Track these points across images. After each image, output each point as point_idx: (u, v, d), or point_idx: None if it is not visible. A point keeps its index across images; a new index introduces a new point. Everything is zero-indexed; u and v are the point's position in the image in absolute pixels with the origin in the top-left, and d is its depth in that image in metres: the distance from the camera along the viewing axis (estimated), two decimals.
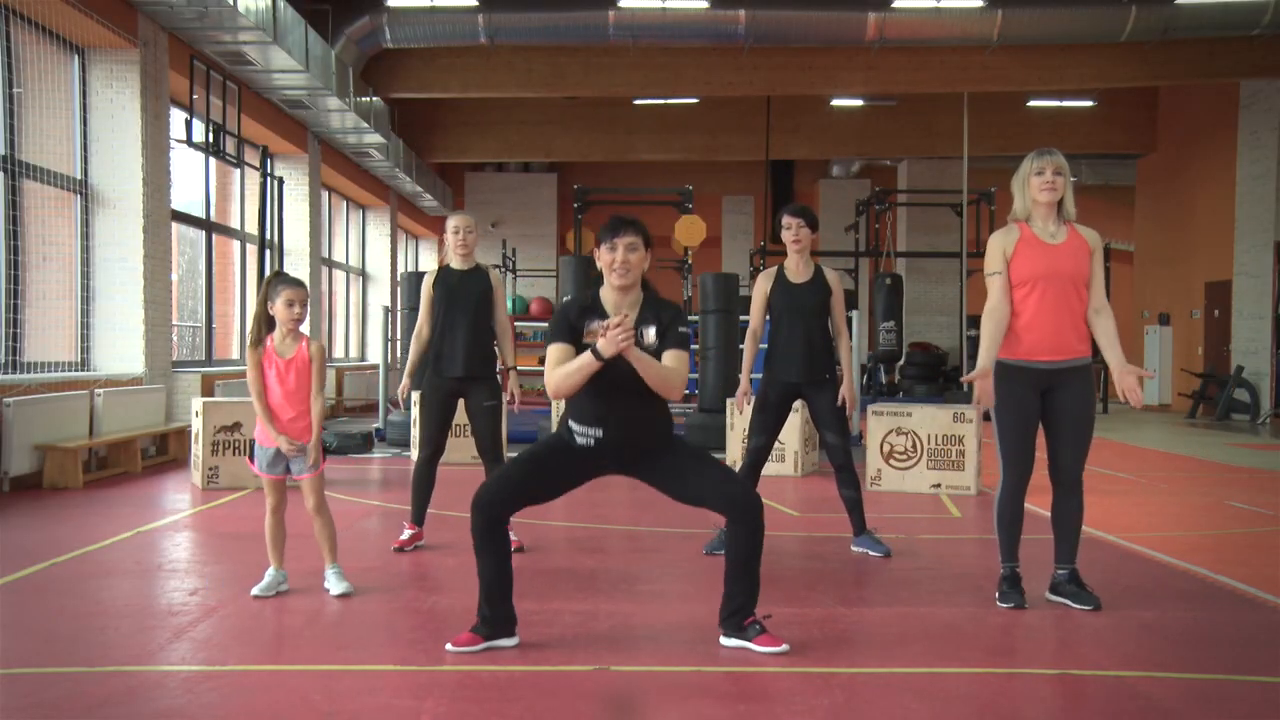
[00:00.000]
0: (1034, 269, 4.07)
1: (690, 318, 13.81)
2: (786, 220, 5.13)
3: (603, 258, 3.50)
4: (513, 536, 5.13)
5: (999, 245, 4.16)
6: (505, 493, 3.51)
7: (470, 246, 5.24)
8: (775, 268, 5.25)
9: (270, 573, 4.27)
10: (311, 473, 4.27)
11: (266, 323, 4.25)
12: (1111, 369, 4.12)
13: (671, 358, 3.46)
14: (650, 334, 3.48)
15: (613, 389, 3.41)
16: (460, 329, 5.15)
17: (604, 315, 3.48)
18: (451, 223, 5.25)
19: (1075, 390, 4.13)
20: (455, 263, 5.26)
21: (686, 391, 12.37)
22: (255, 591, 4.21)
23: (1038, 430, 4.20)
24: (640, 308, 3.54)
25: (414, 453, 6.70)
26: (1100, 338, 4.18)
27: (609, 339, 3.28)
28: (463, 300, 5.17)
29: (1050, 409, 4.16)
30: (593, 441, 3.50)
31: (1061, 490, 4.22)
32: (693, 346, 3.57)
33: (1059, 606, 4.27)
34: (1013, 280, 4.12)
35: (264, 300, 4.25)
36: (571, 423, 3.54)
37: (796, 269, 5.18)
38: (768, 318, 5.23)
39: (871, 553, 5.20)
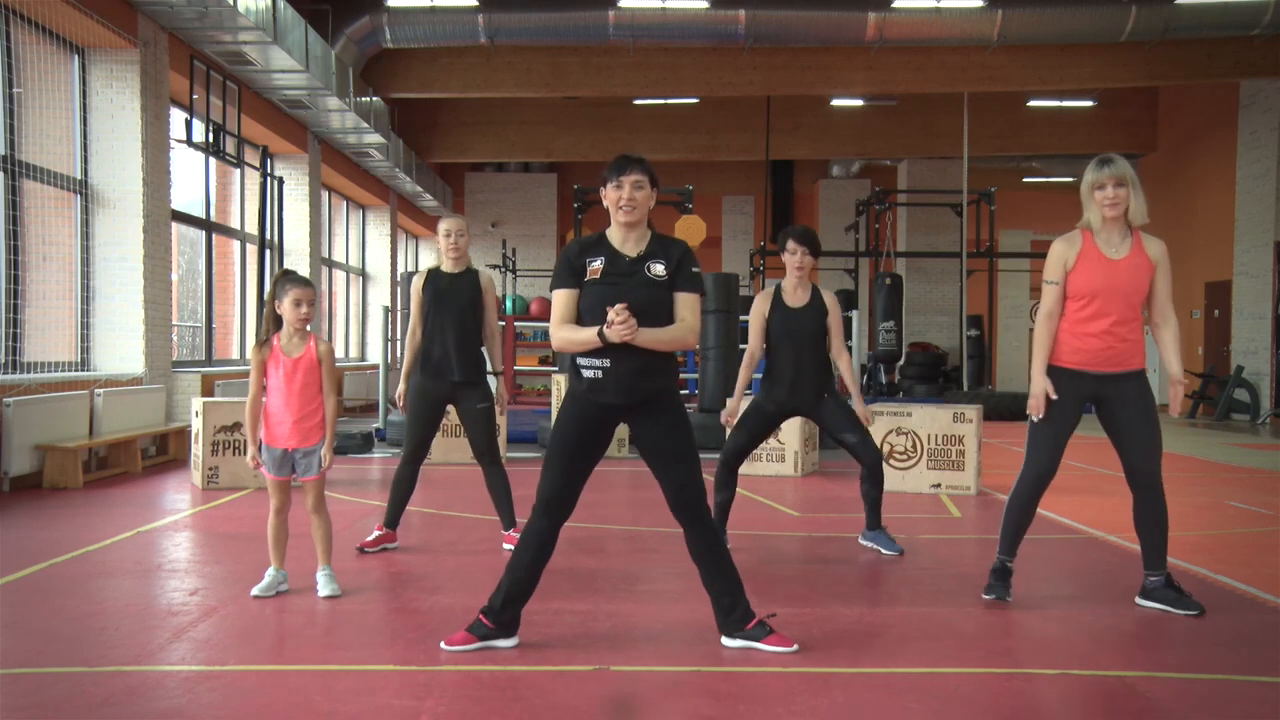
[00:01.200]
0: (1092, 284, 4.01)
1: None
2: (791, 245, 5.11)
3: (609, 195, 3.51)
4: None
5: (1060, 255, 4.08)
6: (563, 484, 3.52)
7: (461, 249, 5.23)
8: (773, 288, 5.23)
9: (271, 572, 4.28)
10: (315, 475, 4.27)
11: (274, 321, 4.25)
12: (1170, 376, 4.11)
13: (683, 304, 3.48)
14: (658, 267, 3.48)
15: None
16: (449, 333, 5.13)
17: (610, 250, 3.50)
18: (442, 226, 5.24)
19: (1132, 392, 4.10)
20: (446, 265, 5.24)
21: (686, 391, 12.39)
22: (255, 591, 4.21)
23: (1068, 440, 4.18)
24: (647, 243, 3.55)
25: None
26: (1161, 348, 4.15)
27: (613, 331, 3.31)
28: (452, 303, 5.15)
29: (1110, 415, 4.14)
30: (599, 373, 3.47)
31: (1142, 493, 4.16)
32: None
33: (1054, 606, 4.27)
34: (1070, 292, 4.07)
35: (272, 299, 4.24)
36: (579, 359, 3.53)
37: (794, 292, 5.16)
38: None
39: (884, 550, 5.20)
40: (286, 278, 4.25)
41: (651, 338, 3.38)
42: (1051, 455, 4.17)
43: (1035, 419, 4.15)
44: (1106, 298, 4.01)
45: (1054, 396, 4.06)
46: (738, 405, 5.25)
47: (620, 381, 3.46)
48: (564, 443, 3.55)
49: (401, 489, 5.24)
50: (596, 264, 3.47)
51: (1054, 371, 4.13)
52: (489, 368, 5.36)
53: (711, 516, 3.62)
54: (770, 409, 5.15)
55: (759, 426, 5.18)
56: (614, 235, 3.55)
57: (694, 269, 3.52)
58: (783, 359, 5.09)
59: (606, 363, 3.45)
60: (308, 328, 4.28)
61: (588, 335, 3.40)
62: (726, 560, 3.61)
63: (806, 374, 5.07)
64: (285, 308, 4.19)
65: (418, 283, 5.26)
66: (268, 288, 4.28)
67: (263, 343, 4.25)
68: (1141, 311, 4.11)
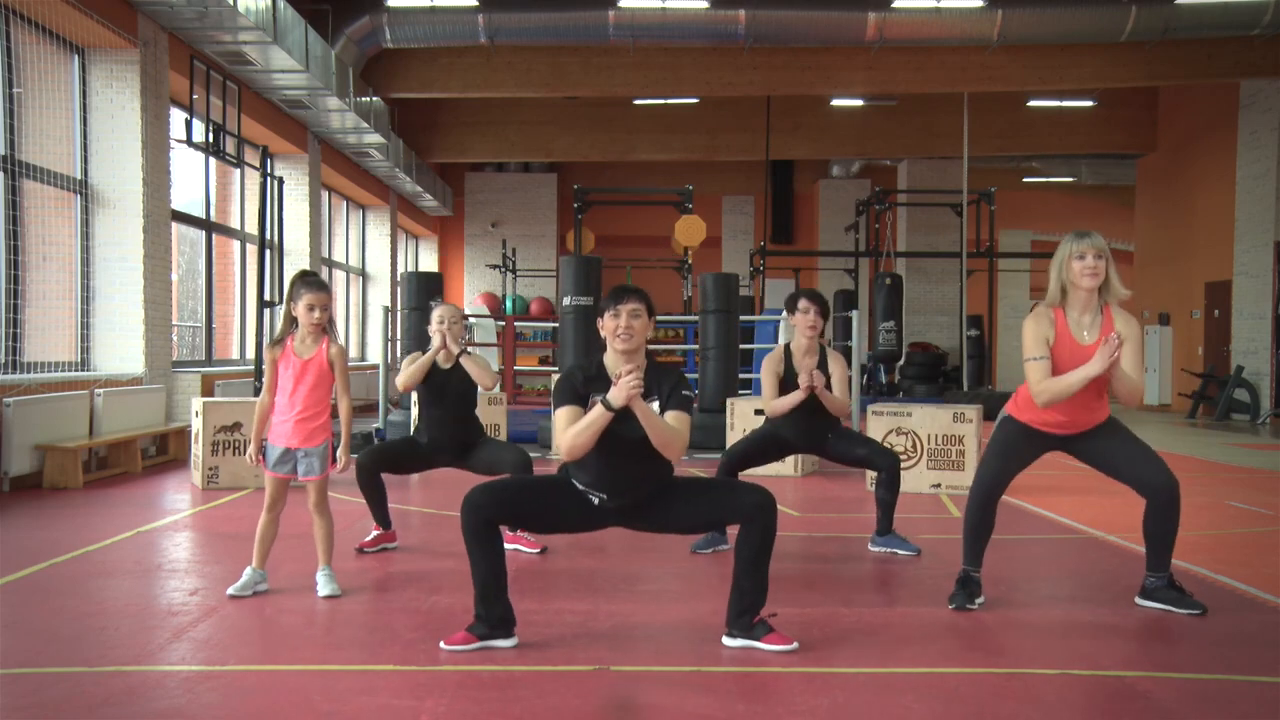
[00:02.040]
0: (1061, 369, 3.93)
1: (690, 317, 13.86)
2: (804, 304, 5.17)
3: (606, 324, 3.56)
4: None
5: (1041, 332, 3.94)
6: (497, 503, 3.54)
7: (455, 337, 5.23)
8: (783, 349, 5.30)
9: (249, 571, 4.27)
10: (317, 475, 4.27)
11: (291, 322, 4.26)
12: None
13: (674, 419, 3.50)
14: (654, 406, 3.52)
15: (616, 451, 3.45)
16: (447, 424, 5.19)
17: (608, 383, 3.52)
18: (435, 314, 5.25)
19: (1102, 436, 4.08)
20: (439, 357, 5.22)
21: (686, 392, 12.34)
22: (232, 590, 4.20)
23: (1017, 472, 4.20)
24: (645, 375, 3.54)
25: None
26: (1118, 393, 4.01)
27: (620, 387, 3.34)
28: (451, 397, 5.19)
29: (1091, 458, 4.13)
30: (597, 501, 3.59)
31: (1159, 506, 4.10)
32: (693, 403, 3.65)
33: (1054, 606, 4.27)
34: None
35: (289, 299, 4.25)
36: (577, 481, 3.60)
37: (802, 357, 5.23)
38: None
39: (901, 552, 5.21)
40: (303, 280, 4.25)
41: (649, 412, 3.42)
42: (1001, 474, 4.18)
43: (1004, 414, 4.14)
44: None
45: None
46: (801, 450, 5.41)
47: (619, 509, 3.59)
48: (541, 497, 3.63)
49: (370, 491, 5.19)
50: (597, 400, 3.49)
51: (1017, 424, 4.12)
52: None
53: (772, 519, 3.57)
54: (782, 438, 5.28)
55: (768, 449, 5.32)
56: (612, 366, 3.59)
57: (685, 393, 3.56)
58: (794, 417, 5.17)
59: (604, 495, 3.56)
60: (324, 330, 4.29)
61: (592, 416, 3.41)
62: (765, 564, 3.58)
63: (818, 427, 5.20)
64: (299, 311, 4.21)
65: (415, 358, 5.25)
66: (269, 291, 4.30)
67: (277, 341, 4.26)
68: (1105, 385, 3.99)
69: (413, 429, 5.62)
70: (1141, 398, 4.01)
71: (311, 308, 4.20)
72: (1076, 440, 4.12)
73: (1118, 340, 3.78)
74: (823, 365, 5.19)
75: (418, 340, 10.10)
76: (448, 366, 5.22)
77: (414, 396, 9.33)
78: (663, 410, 3.52)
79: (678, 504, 3.62)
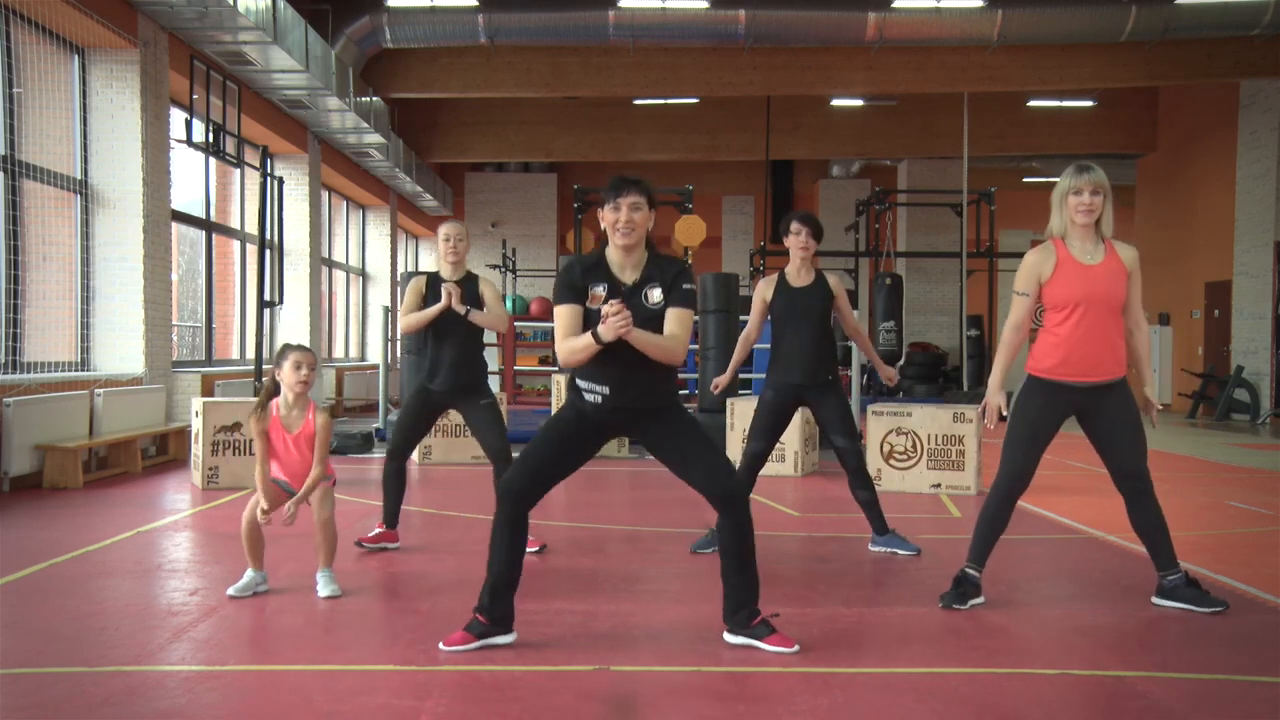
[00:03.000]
0: (1072, 292, 4.00)
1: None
2: (795, 226, 5.14)
3: (606, 217, 3.51)
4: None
5: (1035, 266, 4.06)
6: (532, 479, 3.53)
7: (460, 254, 5.19)
8: (777, 274, 5.27)
9: (249, 573, 4.27)
10: (325, 483, 4.27)
11: (273, 389, 4.25)
12: (1145, 391, 4.14)
13: (674, 318, 3.48)
14: (655, 294, 3.50)
15: (616, 351, 3.42)
16: (450, 344, 5.12)
17: (608, 275, 3.52)
18: (442, 230, 5.22)
19: (1116, 400, 4.10)
20: (445, 270, 5.21)
21: (686, 392, 12.39)
22: (232, 591, 4.20)
23: (1045, 448, 4.18)
24: (644, 265, 3.56)
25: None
26: (1135, 358, 4.16)
27: (608, 326, 3.32)
28: (459, 334, 5.12)
29: (1095, 424, 4.15)
30: (599, 398, 3.53)
31: (1138, 497, 4.14)
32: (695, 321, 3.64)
33: (1054, 606, 4.27)
34: (1049, 303, 4.06)
35: (275, 365, 4.26)
36: (579, 380, 3.57)
37: (798, 274, 5.20)
38: (769, 319, 5.24)
39: (901, 551, 5.20)
40: (287, 346, 4.27)
41: (642, 338, 3.39)
42: (1026, 462, 4.17)
43: (1008, 413, 4.16)
44: (1087, 305, 4.01)
45: (1005, 414, 4.12)
46: (730, 376, 5.31)
47: (619, 406, 3.53)
48: (552, 443, 3.59)
49: (392, 486, 5.22)
50: (598, 290, 3.49)
51: (1037, 383, 4.13)
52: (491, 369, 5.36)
53: (749, 507, 3.57)
54: (777, 400, 5.14)
55: (771, 422, 5.18)
56: (613, 257, 3.56)
57: (687, 286, 3.53)
58: (788, 338, 5.12)
59: (606, 389, 3.51)
60: (308, 395, 4.29)
61: (585, 341, 3.41)
62: (751, 556, 3.58)
63: (812, 353, 5.09)
64: (285, 372, 4.20)
65: (419, 282, 5.24)
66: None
67: (261, 408, 4.24)
68: (1120, 317, 4.09)
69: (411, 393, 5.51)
70: (1146, 342, 4.18)
71: (298, 365, 4.18)
72: (1093, 396, 4.09)
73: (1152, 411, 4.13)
74: (819, 286, 5.14)
75: (417, 341, 10.09)
76: (456, 278, 5.14)
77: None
78: (666, 301, 3.49)
79: (677, 436, 3.57)
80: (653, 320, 3.47)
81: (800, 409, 5.56)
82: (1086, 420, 4.18)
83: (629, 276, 3.53)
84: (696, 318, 3.68)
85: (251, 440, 7.33)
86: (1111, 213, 4.06)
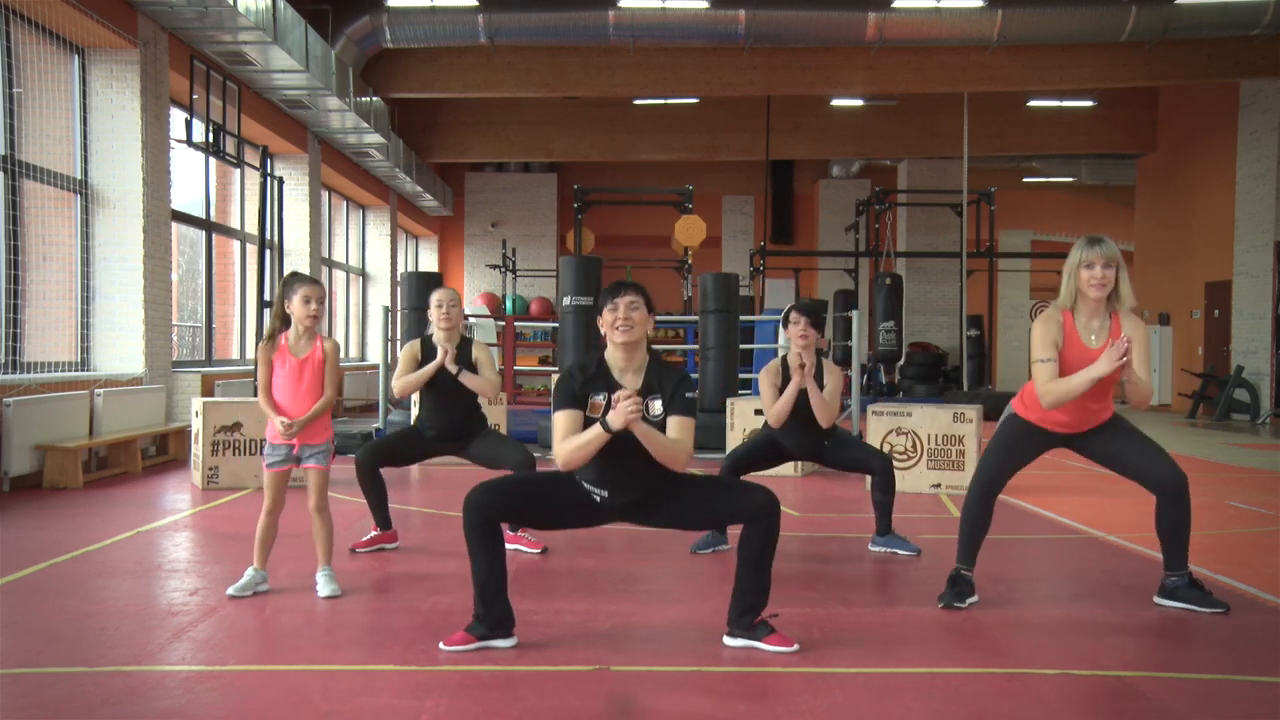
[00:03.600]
0: (1068, 371, 3.95)
1: (690, 318, 13.86)
2: (795, 317, 5.19)
3: (605, 319, 3.52)
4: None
5: (1050, 335, 3.97)
6: (499, 501, 3.51)
7: (454, 320, 5.18)
8: (779, 360, 5.33)
9: (250, 572, 4.27)
10: (320, 464, 4.27)
11: (282, 320, 4.27)
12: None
13: (676, 426, 3.48)
14: (656, 405, 3.51)
15: (619, 451, 3.42)
16: (444, 406, 5.17)
17: (609, 380, 3.51)
18: (434, 297, 5.22)
19: (1107, 432, 4.10)
20: (439, 337, 5.20)
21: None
22: (231, 590, 4.21)
23: (1021, 467, 4.23)
24: (645, 372, 3.56)
25: None
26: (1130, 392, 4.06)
27: (618, 411, 3.31)
28: (454, 392, 5.14)
29: (1095, 454, 4.15)
30: (599, 499, 3.58)
31: (1167, 499, 4.10)
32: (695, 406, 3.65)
33: (1054, 606, 4.27)
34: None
35: (281, 299, 4.26)
36: (582, 480, 3.59)
37: (798, 364, 5.24)
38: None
39: (901, 552, 5.22)
40: (295, 276, 4.29)
41: (649, 433, 3.39)
42: (1001, 472, 4.20)
43: (1009, 411, 4.16)
44: None
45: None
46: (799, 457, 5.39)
47: (622, 506, 3.58)
48: (543, 495, 3.60)
49: (370, 488, 5.17)
50: (599, 399, 3.48)
51: (1022, 422, 4.15)
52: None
53: (775, 519, 3.55)
54: (782, 446, 5.31)
55: (768, 453, 5.34)
56: (613, 362, 3.56)
57: (689, 395, 3.53)
58: (792, 427, 5.20)
59: (606, 492, 3.54)
60: (316, 328, 4.30)
61: (592, 433, 3.39)
62: (768, 565, 3.58)
63: (814, 436, 5.22)
64: (294, 305, 4.22)
65: (413, 348, 5.24)
66: (276, 289, 4.30)
67: (270, 338, 4.26)
68: (1113, 387, 4.04)
69: (413, 419, 5.58)
70: (1149, 399, 4.03)
71: (307, 300, 4.21)
72: (1081, 439, 4.14)
73: (1127, 342, 3.77)
74: (818, 377, 5.19)
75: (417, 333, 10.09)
76: (454, 370, 5.14)
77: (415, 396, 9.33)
78: (666, 411, 3.50)
79: (682, 501, 3.61)
80: (655, 429, 3.47)
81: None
82: (1086, 455, 4.21)
83: (630, 383, 3.52)
84: (695, 390, 3.67)
85: (252, 440, 7.37)
86: (1128, 284, 3.98)
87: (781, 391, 5.18)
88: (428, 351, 5.20)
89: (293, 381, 4.22)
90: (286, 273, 4.45)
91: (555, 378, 3.66)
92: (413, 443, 5.28)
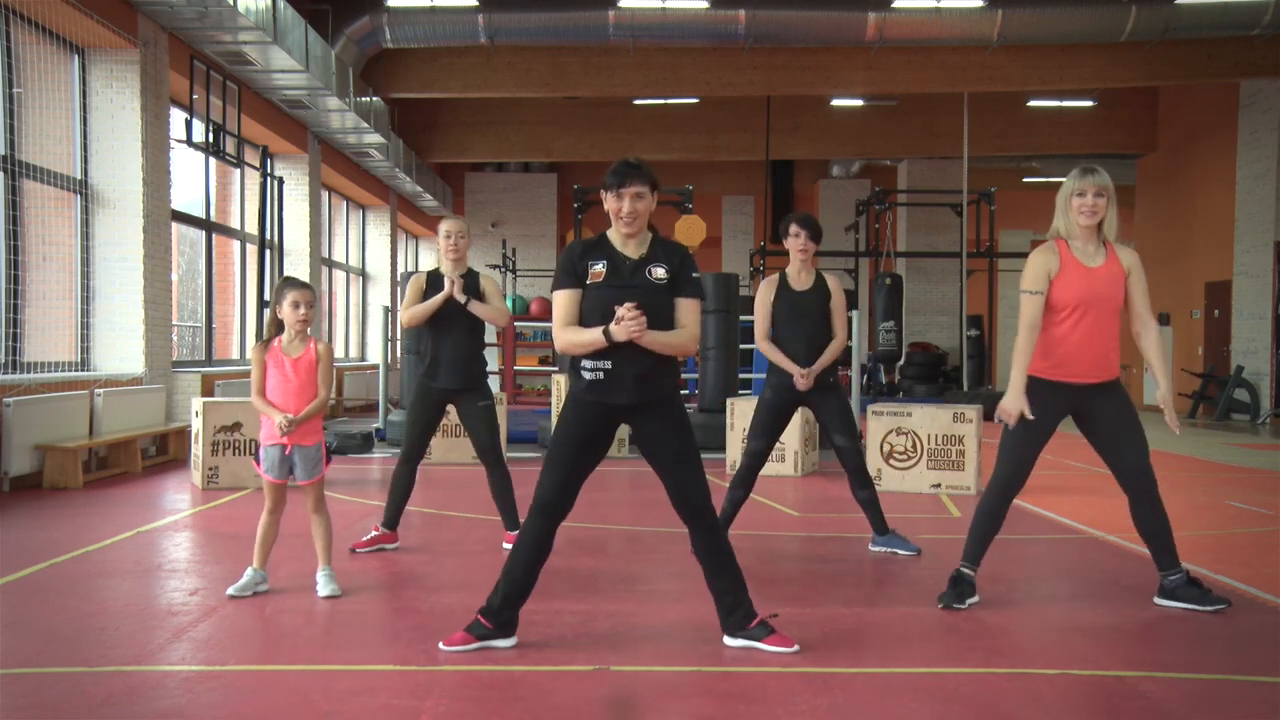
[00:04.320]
0: (1074, 294, 4.02)
1: None
2: (794, 229, 5.15)
3: (609, 204, 3.52)
4: None
5: (1043, 265, 4.05)
6: (561, 487, 3.52)
7: (461, 251, 5.18)
8: (778, 275, 5.28)
9: (250, 572, 4.28)
10: (311, 479, 4.27)
11: (276, 325, 4.30)
12: (1160, 394, 4.09)
13: (684, 309, 3.51)
14: (659, 270, 3.51)
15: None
16: (450, 339, 5.12)
17: (610, 251, 3.52)
18: (443, 227, 5.21)
19: (1112, 399, 4.12)
20: (445, 267, 5.20)
21: (686, 391, 12.37)
22: (231, 591, 4.21)
23: (1041, 449, 4.19)
24: (649, 246, 3.57)
25: None
26: (1149, 356, 4.14)
27: (622, 328, 3.33)
28: (461, 328, 5.12)
29: (1094, 426, 4.16)
30: (602, 374, 3.49)
31: (1141, 495, 4.15)
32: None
33: (1054, 606, 4.27)
34: (1051, 304, 4.06)
35: (274, 304, 4.30)
36: (582, 360, 3.53)
37: (798, 276, 5.22)
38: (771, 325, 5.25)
39: (901, 552, 5.20)
40: (286, 282, 4.31)
41: (655, 340, 3.40)
42: (1022, 462, 4.18)
43: (1009, 426, 4.15)
44: (1086, 307, 4.02)
45: (1030, 417, 4.03)
46: (793, 365, 5.11)
47: (623, 383, 3.47)
48: (564, 444, 3.56)
49: (400, 489, 5.22)
50: (598, 267, 3.49)
51: (1034, 383, 4.12)
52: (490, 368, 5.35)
53: (715, 516, 3.62)
54: (777, 400, 5.15)
55: (770, 421, 5.19)
56: (615, 237, 3.58)
57: (695, 274, 3.56)
58: (788, 340, 5.12)
59: (609, 364, 3.47)
60: (308, 331, 4.31)
61: (592, 336, 3.41)
62: (730, 560, 3.61)
63: (812, 355, 5.09)
64: (285, 310, 4.24)
65: (420, 279, 5.23)
66: (270, 292, 4.32)
67: (264, 342, 4.29)
68: (1119, 320, 4.10)
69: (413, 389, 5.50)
70: (1158, 334, 4.15)
71: (296, 305, 4.23)
72: (1088, 395, 4.11)
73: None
74: (819, 288, 5.15)
75: (418, 338, 10.10)
76: (457, 274, 5.12)
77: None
78: (673, 290, 3.49)
79: (660, 436, 3.55)
80: (656, 294, 3.47)
81: (801, 409, 5.56)
82: (1083, 421, 4.19)
83: (632, 252, 3.53)
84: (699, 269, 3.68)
85: (252, 440, 7.37)
86: (1115, 216, 4.07)
87: (775, 306, 5.11)
88: (434, 284, 5.16)
89: (285, 382, 4.23)
90: (280, 278, 4.45)
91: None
92: (426, 406, 5.21)
